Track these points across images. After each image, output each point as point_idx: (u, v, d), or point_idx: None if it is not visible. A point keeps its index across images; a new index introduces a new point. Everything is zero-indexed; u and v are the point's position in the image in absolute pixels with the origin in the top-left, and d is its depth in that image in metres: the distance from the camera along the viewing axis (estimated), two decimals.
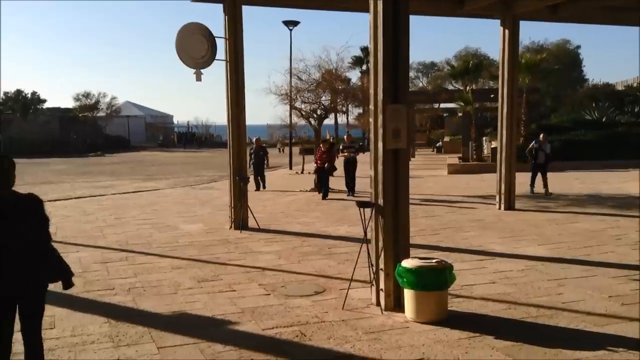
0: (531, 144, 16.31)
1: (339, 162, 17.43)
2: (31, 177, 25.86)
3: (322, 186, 16.09)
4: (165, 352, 5.09)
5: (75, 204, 15.71)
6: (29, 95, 62.13)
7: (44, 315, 5.91)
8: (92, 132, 55.97)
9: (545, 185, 15.85)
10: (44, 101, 62.52)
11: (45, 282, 4.03)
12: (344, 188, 16.84)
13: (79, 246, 9.82)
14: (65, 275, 4.11)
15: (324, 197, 15.79)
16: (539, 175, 15.96)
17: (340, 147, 17.91)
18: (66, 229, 11.44)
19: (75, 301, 6.57)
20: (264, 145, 20.43)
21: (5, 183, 3.83)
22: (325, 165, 16.03)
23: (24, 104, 60.17)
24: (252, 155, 18.26)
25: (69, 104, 61.07)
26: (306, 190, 17.62)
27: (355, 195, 15.99)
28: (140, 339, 5.39)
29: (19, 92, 62.05)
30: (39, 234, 3.91)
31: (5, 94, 62.27)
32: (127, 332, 5.58)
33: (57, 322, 5.87)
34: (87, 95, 59.20)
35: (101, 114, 59.42)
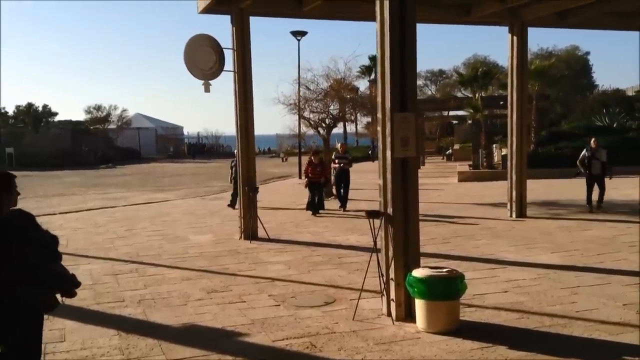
0: (582, 153, 13.96)
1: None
2: (43, 189, 26.03)
3: (315, 202, 14.64)
4: None
5: (86, 216, 15.77)
6: (41, 109, 62.83)
7: (54, 329, 5.93)
8: (103, 144, 56.31)
9: (601, 200, 13.76)
10: (56, 114, 63.28)
11: (47, 300, 3.96)
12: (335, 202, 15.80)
13: (89, 258, 9.83)
14: (67, 285, 4.02)
15: (319, 210, 14.65)
16: (594, 186, 13.80)
17: (332, 157, 16.30)
18: (77, 241, 11.47)
19: (85, 313, 6.58)
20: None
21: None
22: (321, 179, 14.73)
23: (35, 117, 60.82)
24: (233, 169, 16.08)
25: (80, 116, 61.58)
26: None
27: (345, 210, 14.98)
28: (150, 352, 5.37)
29: (30, 106, 62.74)
30: (37, 250, 3.84)
31: (17, 107, 63.01)
32: (137, 345, 5.56)
33: (67, 335, 5.87)
34: (98, 107, 59.72)
35: (112, 126, 59.87)
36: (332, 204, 15.80)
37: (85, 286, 7.74)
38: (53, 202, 20.08)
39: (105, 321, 6.33)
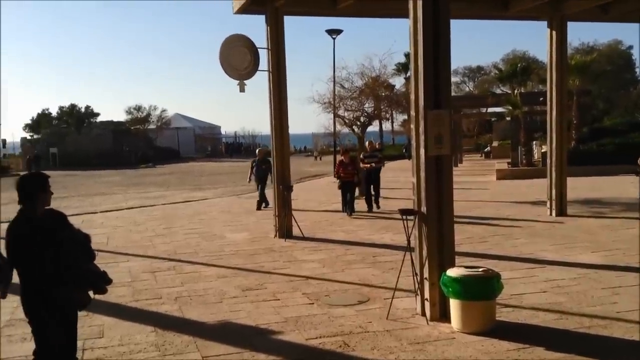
0: None
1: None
2: (85, 188, 26.72)
3: (347, 202, 14.26)
4: None
5: (126, 214, 16.10)
6: (83, 110, 64.50)
7: (93, 325, 6.08)
8: (143, 144, 57.45)
9: None
10: (97, 115, 64.90)
11: (81, 297, 4.06)
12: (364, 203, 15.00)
13: (129, 256, 10.04)
14: (98, 282, 4.11)
15: (351, 212, 14.12)
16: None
17: (361, 157, 15.64)
18: (117, 239, 11.73)
19: (123, 310, 6.72)
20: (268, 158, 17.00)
21: (36, 203, 3.91)
22: (355, 178, 14.22)
23: (78, 118, 62.46)
24: (254, 168, 16.20)
25: (121, 117, 62.92)
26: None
27: (377, 210, 14.58)
28: (186, 348, 5.45)
29: (73, 107, 64.49)
30: (70, 249, 3.94)
31: (61, 108, 64.83)
32: (173, 341, 5.65)
33: (105, 331, 6.00)
34: (138, 108, 60.94)
35: (152, 126, 60.99)
36: (362, 205, 15.03)
37: (124, 283, 7.95)
38: (95, 201, 20.58)
39: (142, 318, 6.45)
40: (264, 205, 15.86)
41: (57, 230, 3.88)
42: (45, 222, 3.88)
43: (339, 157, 14.96)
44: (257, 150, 17.94)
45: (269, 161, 15.67)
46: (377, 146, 22.62)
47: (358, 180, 14.52)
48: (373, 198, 14.88)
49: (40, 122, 64.68)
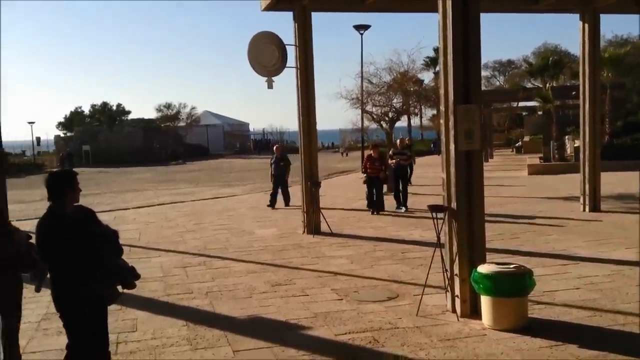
0: None
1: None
2: (118, 185, 27.20)
3: (373, 199, 13.82)
4: (240, 355, 5.19)
5: (157, 210, 16.33)
6: (115, 107, 65.60)
7: (126, 319, 6.20)
8: (173, 142, 58.20)
9: None
10: (129, 112, 66.01)
11: (109, 292, 4.13)
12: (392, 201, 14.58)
13: (160, 251, 10.19)
14: (127, 277, 4.17)
15: (379, 210, 13.72)
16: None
17: (390, 153, 15.21)
18: (149, 235, 11.91)
19: (156, 305, 6.83)
20: (286, 155, 16.53)
21: (65, 200, 3.97)
22: (380, 174, 13.73)
23: (110, 116, 63.59)
24: (273, 166, 15.90)
25: (152, 115, 63.87)
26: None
27: (407, 210, 13.97)
28: (217, 342, 5.52)
29: (105, 105, 65.68)
30: (99, 244, 4.00)
31: (93, 106, 66.04)
32: (204, 335, 5.72)
33: (138, 325, 6.11)
34: (168, 106, 61.76)
35: (181, 123, 61.74)
36: (390, 202, 14.54)
37: (155, 278, 8.08)
38: (127, 197, 20.92)
39: (174, 312, 6.55)
40: (287, 202, 15.58)
41: (85, 226, 3.95)
42: (73, 218, 3.95)
43: (368, 152, 14.53)
44: (274, 148, 17.30)
45: (287, 158, 16.04)
46: (407, 142, 22.40)
47: (385, 177, 13.99)
48: (402, 198, 14.34)
49: (73, 120, 66.03)
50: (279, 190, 15.68)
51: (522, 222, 11.65)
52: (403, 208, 14.03)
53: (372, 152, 14.19)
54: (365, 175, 13.97)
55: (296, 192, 15.05)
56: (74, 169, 4.29)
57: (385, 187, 15.74)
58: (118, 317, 6.15)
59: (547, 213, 12.72)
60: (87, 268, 3.86)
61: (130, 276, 4.19)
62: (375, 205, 13.75)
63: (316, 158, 11.85)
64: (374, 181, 13.79)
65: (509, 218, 12.16)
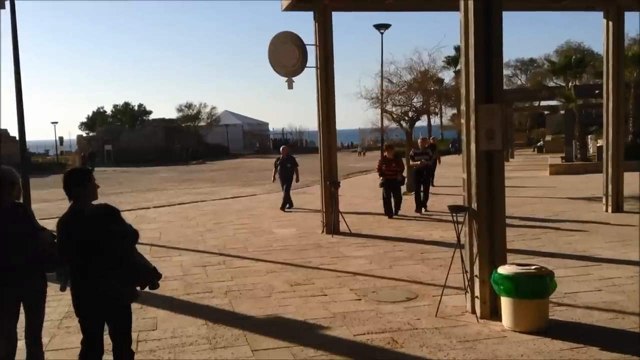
0: None
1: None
2: (139, 184, 27.48)
3: (391, 204, 13.23)
4: (259, 354, 5.20)
5: (178, 209, 16.47)
6: (136, 108, 66.29)
7: (147, 317, 6.26)
8: (194, 141, 58.69)
9: None
10: (150, 112, 66.69)
11: (128, 297, 4.15)
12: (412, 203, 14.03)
13: (180, 250, 10.27)
14: (146, 279, 4.21)
15: (396, 212, 13.24)
16: None
17: (411, 154, 14.72)
18: (169, 234, 12.01)
19: (176, 303, 6.88)
20: (293, 156, 15.90)
21: (83, 197, 4.02)
22: (398, 176, 13.15)
23: (132, 116, 64.30)
24: (278, 167, 15.33)
25: (173, 114, 64.48)
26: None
27: (427, 212, 13.57)
28: (236, 342, 5.54)
29: (127, 105, 66.43)
30: (119, 243, 4.03)
31: (115, 106, 66.84)
32: (223, 335, 5.75)
33: (159, 323, 6.16)
34: (189, 106, 62.28)
35: (202, 123, 62.24)
36: (409, 205, 14.02)
37: (176, 277, 8.14)
38: (148, 196, 21.12)
39: (194, 311, 6.60)
40: (287, 206, 15.08)
41: (107, 224, 3.98)
42: (95, 216, 3.99)
43: (383, 153, 13.90)
44: (281, 148, 16.40)
45: (294, 159, 15.48)
46: (431, 141, 22.09)
47: (402, 179, 13.49)
48: (423, 199, 13.90)
49: (96, 120, 66.87)
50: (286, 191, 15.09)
51: (544, 223, 11.51)
52: (422, 209, 13.70)
53: (386, 153, 13.57)
54: (381, 177, 13.32)
55: (314, 191, 15.06)
56: (93, 168, 4.34)
57: (404, 187, 15.62)
58: (138, 316, 6.20)
59: (569, 214, 12.56)
60: (104, 265, 3.89)
61: (153, 276, 4.22)
62: (393, 210, 13.26)
63: (335, 158, 11.84)
64: (391, 184, 13.18)
65: (530, 219, 12.04)
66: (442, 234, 10.56)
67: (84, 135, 64.47)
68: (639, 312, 5.69)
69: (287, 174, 15.14)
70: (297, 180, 15.51)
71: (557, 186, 18.27)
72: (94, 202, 4.14)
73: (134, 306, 4.40)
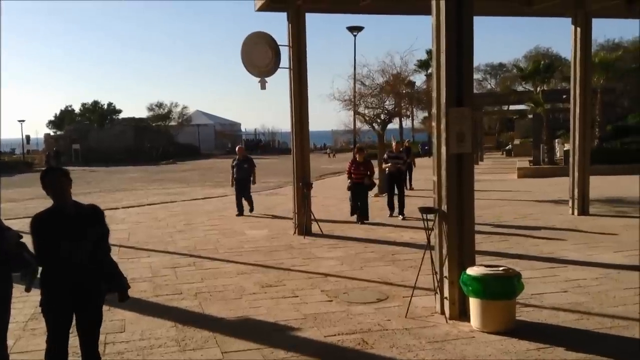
0: None
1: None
2: (108, 184, 27.06)
3: (358, 207, 12.74)
4: (229, 356, 5.17)
5: (147, 210, 16.27)
6: (105, 106, 65.29)
7: (115, 319, 6.17)
8: (164, 141, 57.97)
9: None
10: (120, 112, 65.75)
11: (103, 294, 4.14)
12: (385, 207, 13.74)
13: (150, 251, 10.14)
14: (121, 287, 4.20)
15: (363, 220, 12.58)
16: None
17: (385, 157, 14.25)
18: (138, 235, 11.85)
19: (144, 305, 6.79)
20: (250, 156, 15.33)
21: (61, 195, 3.95)
22: (365, 180, 12.63)
23: (101, 115, 63.28)
24: (234, 169, 14.68)
25: (143, 114, 63.70)
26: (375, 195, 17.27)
27: (405, 218, 12.86)
28: (205, 344, 5.50)
29: (95, 103, 65.37)
30: (99, 245, 4.03)
31: (83, 105, 65.75)
32: (193, 337, 5.70)
33: (127, 325, 6.08)
34: (159, 105, 61.57)
35: (173, 123, 61.56)
36: (381, 211, 14.09)
37: (145, 278, 8.04)
38: (117, 196, 20.82)
39: (163, 313, 6.52)
40: (250, 210, 14.48)
41: (89, 224, 3.96)
42: (78, 214, 3.95)
43: (353, 155, 13.35)
44: (236, 148, 15.67)
45: (251, 160, 14.78)
46: (406, 144, 22.12)
47: (370, 183, 12.82)
48: (398, 206, 13.33)
49: (64, 118, 65.66)
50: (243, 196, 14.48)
51: (511, 225, 11.70)
52: (400, 216, 13.06)
53: (356, 156, 13.04)
54: (349, 181, 12.95)
55: (287, 192, 15.01)
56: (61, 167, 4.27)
57: (376, 189, 15.65)
58: (106, 318, 6.05)
59: (536, 216, 12.79)
60: (82, 260, 3.86)
61: (125, 283, 4.22)
62: (360, 214, 12.69)
63: (308, 159, 11.84)
64: (358, 188, 12.73)
65: (499, 221, 12.22)
66: (412, 236, 10.64)
67: (52, 134, 63.23)
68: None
69: (244, 175, 14.53)
70: (254, 182, 14.95)
71: (525, 189, 18.59)
72: (83, 202, 4.11)
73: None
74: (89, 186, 25.37)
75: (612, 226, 11.24)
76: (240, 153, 14.92)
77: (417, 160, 19.82)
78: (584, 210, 12.78)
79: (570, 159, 13.27)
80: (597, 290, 6.87)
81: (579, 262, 8.31)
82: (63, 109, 67.78)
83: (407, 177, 18.78)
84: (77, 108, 66.97)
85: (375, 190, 17.60)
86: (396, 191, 13.60)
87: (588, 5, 12.25)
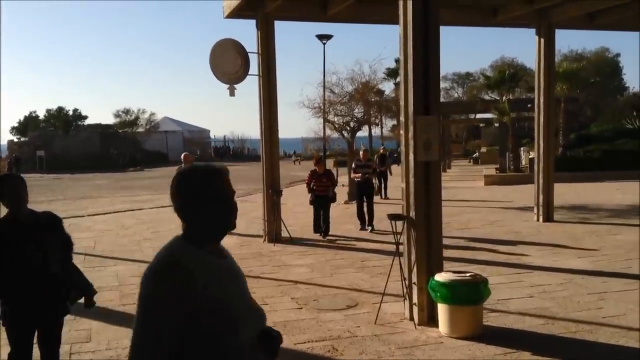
0: None
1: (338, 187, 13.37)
2: (73, 191, 26.54)
3: (320, 222, 11.95)
4: None
5: (114, 218, 16.01)
6: (71, 112, 64.07)
7: (80, 329, 6.05)
8: (131, 148, 57.16)
9: None
10: (85, 118, 64.46)
11: (64, 307, 4.03)
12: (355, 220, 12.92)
13: (116, 260, 9.98)
14: (87, 292, 4.13)
15: (326, 233, 11.77)
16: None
17: (353, 166, 13.36)
18: (104, 243, 11.65)
19: (111, 315, 6.67)
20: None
21: (17, 203, 3.79)
22: (330, 192, 11.84)
23: (65, 121, 62.03)
24: None
25: (110, 120, 62.65)
26: (346, 202, 17.36)
27: (375, 230, 12.22)
28: None
29: (60, 109, 64.04)
30: (59, 254, 3.91)
31: (48, 111, 64.40)
32: None
33: (93, 335, 5.97)
34: (126, 111, 60.61)
35: (140, 129, 60.68)
36: (351, 218, 13.36)
37: (111, 287, 7.91)
38: (82, 204, 20.43)
39: (130, 322, 6.31)
40: None
41: (43, 233, 3.84)
42: (36, 223, 3.84)
43: (313, 166, 12.32)
44: (182, 156, 13.65)
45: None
46: (381, 151, 21.92)
47: (333, 195, 12.05)
48: (367, 217, 12.65)
49: (28, 124, 64.22)
50: None
51: (478, 232, 11.88)
52: (369, 228, 12.46)
53: (316, 167, 12.01)
54: (310, 194, 12.04)
55: (256, 199, 14.93)
56: (19, 174, 4.15)
57: (346, 196, 15.64)
58: (71, 327, 5.99)
59: (502, 223, 13.01)
60: (43, 273, 3.76)
61: (91, 288, 4.16)
62: (323, 228, 11.86)
63: (278, 166, 11.82)
64: (321, 201, 11.85)
65: (466, 228, 12.39)
66: (382, 242, 10.72)
67: (15, 140, 61.78)
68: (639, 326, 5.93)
69: None
70: None
71: (491, 196, 18.89)
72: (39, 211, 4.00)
73: (67, 317, 4.25)
74: (53, 194, 24.85)
75: (575, 232, 11.50)
76: (185, 160, 12.89)
77: (393, 168, 19.81)
78: (548, 217, 13.04)
79: (535, 167, 13.54)
80: (562, 295, 7.02)
81: (544, 268, 8.47)
82: (27, 115, 66.31)
83: (383, 186, 18.90)
84: (41, 114, 65.61)
85: (345, 197, 17.73)
86: (365, 200, 12.82)
87: (552, 16, 12.55)
